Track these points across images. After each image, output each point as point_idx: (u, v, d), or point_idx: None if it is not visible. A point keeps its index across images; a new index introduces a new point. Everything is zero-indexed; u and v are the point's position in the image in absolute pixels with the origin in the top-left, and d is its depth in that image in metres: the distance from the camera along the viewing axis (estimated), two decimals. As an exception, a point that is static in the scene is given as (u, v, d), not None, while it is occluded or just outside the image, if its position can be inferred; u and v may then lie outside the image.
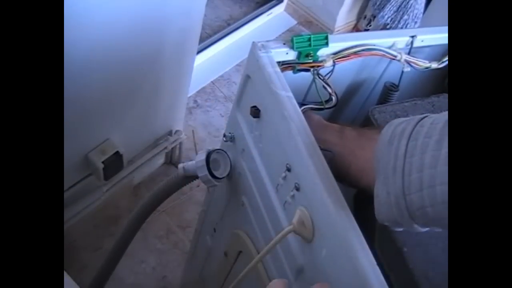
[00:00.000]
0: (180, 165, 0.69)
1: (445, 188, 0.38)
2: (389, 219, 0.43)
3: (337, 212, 0.44)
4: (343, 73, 0.66)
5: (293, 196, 0.52)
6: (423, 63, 0.67)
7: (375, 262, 0.42)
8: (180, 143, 1.49)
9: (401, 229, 0.46)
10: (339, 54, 0.60)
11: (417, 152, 0.40)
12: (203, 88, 1.85)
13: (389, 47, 0.63)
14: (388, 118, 0.64)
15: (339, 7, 2.01)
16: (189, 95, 1.73)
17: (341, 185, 0.47)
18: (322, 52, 0.59)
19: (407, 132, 0.42)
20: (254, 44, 0.56)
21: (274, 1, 2.13)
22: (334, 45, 0.59)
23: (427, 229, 0.43)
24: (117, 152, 1.12)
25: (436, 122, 0.41)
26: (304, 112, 0.55)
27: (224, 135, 0.70)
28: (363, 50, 0.61)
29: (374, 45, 0.61)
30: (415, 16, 1.81)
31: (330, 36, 0.57)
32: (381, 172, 0.43)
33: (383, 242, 0.56)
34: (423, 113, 0.46)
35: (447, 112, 0.41)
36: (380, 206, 0.44)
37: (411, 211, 0.41)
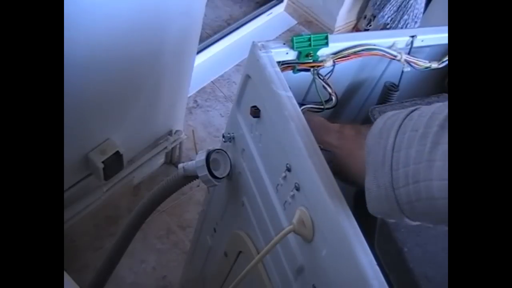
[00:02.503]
0: (180, 165, 0.69)
1: (428, 184, 0.37)
2: (380, 212, 0.44)
3: (337, 212, 0.44)
4: (343, 73, 0.66)
5: (293, 196, 0.52)
6: (423, 63, 0.67)
7: (375, 262, 0.42)
8: (180, 143, 1.49)
9: (393, 220, 0.46)
10: (339, 54, 0.60)
11: (403, 146, 0.40)
12: (203, 88, 1.85)
13: (389, 47, 0.63)
14: (388, 118, 0.64)
15: (339, 7, 2.01)
16: (189, 95, 1.72)
17: (341, 185, 0.47)
18: (322, 52, 0.59)
19: (396, 125, 0.42)
20: (254, 44, 0.56)
21: (274, 1, 2.13)
22: (334, 45, 0.59)
23: (417, 223, 0.43)
24: (117, 152, 1.12)
25: (423, 114, 0.40)
26: (303, 112, 0.55)
27: (223, 136, 0.70)
28: (363, 50, 0.61)
29: (374, 45, 0.61)
30: (415, 16, 1.81)
31: (330, 36, 0.57)
32: (371, 165, 0.43)
33: (383, 242, 0.56)
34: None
35: (436, 104, 0.41)
36: (371, 199, 0.44)
37: (400, 204, 0.41)
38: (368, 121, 0.65)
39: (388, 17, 1.85)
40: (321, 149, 0.49)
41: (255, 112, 0.58)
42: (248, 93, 0.62)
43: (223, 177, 0.66)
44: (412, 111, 0.43)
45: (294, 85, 0.55)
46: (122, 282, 1.32)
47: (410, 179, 0.39)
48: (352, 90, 0.73)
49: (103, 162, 1.09)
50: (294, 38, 0.56)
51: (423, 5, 1.81)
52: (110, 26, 0.84)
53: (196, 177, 0.66)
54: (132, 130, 1.22)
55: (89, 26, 0.80)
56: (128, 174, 1.35)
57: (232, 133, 0.68)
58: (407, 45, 0.65)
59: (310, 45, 0.57)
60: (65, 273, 0.44)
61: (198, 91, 1.84)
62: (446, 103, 0.39)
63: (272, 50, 0.56)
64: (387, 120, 0.44)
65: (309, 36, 0.57)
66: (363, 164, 0.49)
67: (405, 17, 1.81)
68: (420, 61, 0.66)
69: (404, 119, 0.42)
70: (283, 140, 0.52)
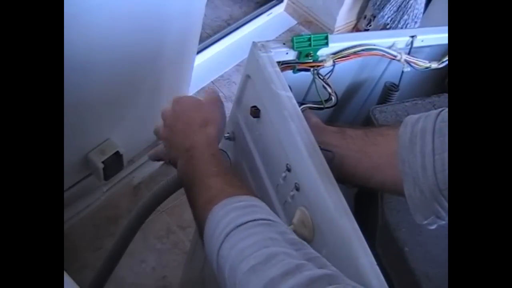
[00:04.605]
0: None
1: None
2: (428, 215, 0.43)
3: (337, 212, 0.44)
4: (343, 73, 0.66)
5: (293, 196, 0.52)
6: (423, 63, 0.67)
7: (375, 262, 0.42)
8: (180, 143, 1.49)
9: (435, 226, 0.45)
10: (339, 54, 0.60)
11: (446, 148, 0.40)
12: (203, 88, 1.85)
13: (389, 47, 0.63)
14: (389, 118, 0.64)
15: (339, 7, 2.01)
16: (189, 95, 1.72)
17: (341, 185, 0.47)
18: (322, 52, 0.59)
19: (429, 129, 0.42)
20: (254, 44, 0.56)
21: (274, 1, 2.13)
22: (334, 45, 0.59)
23: None
24: (117, 152, 1.12)
25: None
26: (303, 111, 0.55)
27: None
28: (363, 50, 0.61)
29: (374, 45, 0.61)
30: (415, 16, 1.81)
31: (330, 36, 0.57)
32: (409, 172, 0.43)
33: (384, 242, 0.56)
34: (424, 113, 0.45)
35: None
36: (415, 205, 0.43)
37: None
38: (368, 121, 0.65)
39: (388, 17, 1.85)
40: (321, 149, 0.49)
41: (255, 112, 0.57)
42: (248, 93, 0.62)
43: (223, 177, 0.66)
44: (439, 113, 0.43)
45: (294, 85, 0.55)
46: (122, 282, 1.32)
47: None
48: (352, 90, 0.73)
49: (103, 162, 1.09)
50: (294, 38, 0.56)
51: (423, 5, 1.81)
52: (110, 26, 0.84)
53: (196, 177, 0.66)
54: (132, 130, 1.22)
55: (89, 26, 0.80)
56: (128, 174, 1.35)
57: (232, 133, 0.68)
58: (407, 45, 0.65)
59: (310, 45, 0.57)
60: (65, 273, 0.44)
61: (198, 91, 1.84)
62: None
63: (272, 50, 0.56)
64: (413, 126, 0.44)
65: (309, 36, 0.57)
66: (377, 160, 0.48)
67: (405, 17, 1.81)
68: (420, 61, 0.66)
69: (435, 121, 0.42)
70: (283, 140, 0.52)
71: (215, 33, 1.95)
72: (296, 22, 2.19)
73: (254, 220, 0.40)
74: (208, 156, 0.51)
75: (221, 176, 0.47)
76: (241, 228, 0.39)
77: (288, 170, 0.52)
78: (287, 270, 0.34)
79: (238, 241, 0.38)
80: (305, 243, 0.39)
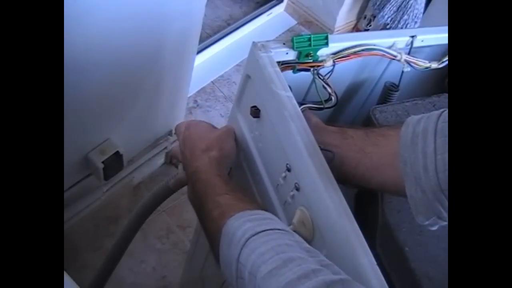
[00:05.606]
0: (180, 165, 0.69)
1: None
2: (429, 216, 0.43)
3: (337, 212, 0.44)
4: (343, 73, 0.66)
5: (293, 196, 0.52)
6: (423, 63, 0.67)
7: (375, 262, 0.42)
8: (180, 143, 1.49)
9: (436, 227, 0.45)
10: (339, 54, 0.60)
11: (447, 149, 0.40)
12: (203, 88, 1.85)
13: (389, 47, 0.63)
14: (389, 118, 0.64)
15: (339, 7, 2.01)
16: (189, 95, 1.72)
17: (341, 185, 0.47)
18: (322, 52, 0.59)
19: (431, 129, 0.42)
20: (254, 44, 0.56)
21: (274, 1, 2.13)
22: (334, 45, 0.59)
23: None
24: (117, 152, 1.12)
25: None
26: (303, 111, 0.55)
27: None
28: (363, 50, 0.61)
29: (374, 45, 0.61)
30: (415, 16, 1.81)
31: (330, 36, 0.57)
32: (410, 173, 0.43)
33: (385, 242, 0.56)
34: (424, 113, 0.45)
35: None
36: (417, 206, 0.43)
37: None
38: (368, 121, 0.65)
39: (388, 17, 1.85)
40: (321, 149, 0.49)
41: (255, 112, 0.57)
42: (248, 93, 0.62)
43: (223, 177, 0.66)
44: (441, 114, 0.43)
45: (294, 85, 0.55)
46: (122, 282, 1.32)
47: None
48: (352, 90, 0.73)
49: (103, 162, 1.09)
50: (294, 38, 0.56)
51: (423, 5, 1.81)
52: (110, 26, 0.84)
53: (196, 177, 0.66)
54: (132, 130, 1.22)
55: (89, 26, 0.80)
56: (128, 174, 1.35)
57: (232, 133, 0.68)
58: (407, 45, 0.65)
59: (310, 45, 0.57)
60: (65, 273, 0.44)
61: (198, 91, 1.84)
62: None
63: (272, 50, 0.56)
64: (415, 126, 0.44)
65: (309, 36, 0.57)
66: (378, 160, 0.48)
67: (405, 17, 1.81)
68: (420, 61, 0.66)
69: (437, 122, 0.42)
70: (283, 140, 0.52)
71: (215, 33, 1.95)
72: (296, 22, 2.19)
73: (271, 229, 0.41)
74: (214, 177, 0.53)
75: (230, 194, 0.49)
76: (259, 235, 0.40)
77: (288, 170, 0.52)
78: (304, 273, 0.35)
79: (257, 245, 0.39)
80: (318, 252, 0.40)
